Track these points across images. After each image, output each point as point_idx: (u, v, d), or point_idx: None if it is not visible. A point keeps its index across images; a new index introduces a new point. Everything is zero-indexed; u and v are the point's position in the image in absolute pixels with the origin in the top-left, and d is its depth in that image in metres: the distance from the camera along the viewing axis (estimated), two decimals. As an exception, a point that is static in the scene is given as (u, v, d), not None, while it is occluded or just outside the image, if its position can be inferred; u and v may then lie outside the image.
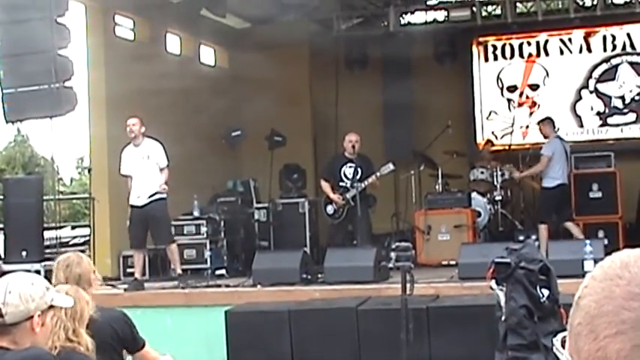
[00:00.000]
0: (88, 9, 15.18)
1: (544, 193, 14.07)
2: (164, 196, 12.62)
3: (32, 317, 4.04)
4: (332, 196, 13.63)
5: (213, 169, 16.15)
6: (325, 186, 13.85)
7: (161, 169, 12.63)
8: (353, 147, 13.62)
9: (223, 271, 14.28)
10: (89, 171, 15.53)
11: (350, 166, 13.64)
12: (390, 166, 13.51)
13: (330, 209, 13.78)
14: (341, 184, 13.65)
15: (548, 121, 14.65)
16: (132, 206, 12.69)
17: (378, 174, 13.43)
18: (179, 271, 12.61)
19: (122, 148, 12.85)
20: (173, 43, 17.33)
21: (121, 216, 14.53)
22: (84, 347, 4.74)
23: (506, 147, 16.77)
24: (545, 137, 14.30)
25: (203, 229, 14.71)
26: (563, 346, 1.30)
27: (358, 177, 13.48)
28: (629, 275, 1.23)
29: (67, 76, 12.35)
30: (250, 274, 12.43)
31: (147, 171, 12.58)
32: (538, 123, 15.03)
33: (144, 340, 6.10)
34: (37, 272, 12.03)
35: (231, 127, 15.97)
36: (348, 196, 13.48)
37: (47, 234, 14.55)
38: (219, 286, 12.57)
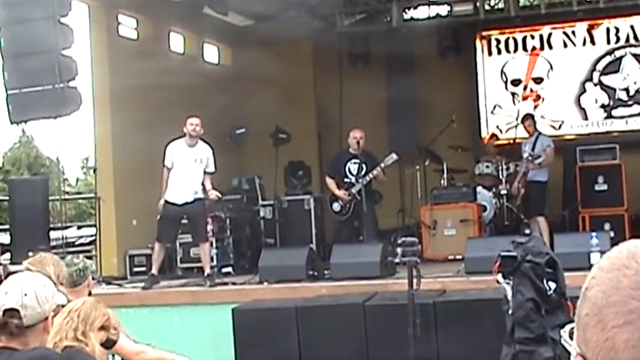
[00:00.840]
0: (91, 8, 15.18)
1: (539, 186, 14.31)
2: (203, 196, 12.58)
3: (47, 319, 4.05)
4: (337, 192, 13.61)
5: (218, 166, 16.12)
6: (330, 182, 13.83)
7: (208, 173, 12.62)
8: (358, 143, 13.60)
9: (230, 269, 14.29)
10: (94, 171, 15.56)
11: (354, 162, 13.63)
12: (394, 156, 13.49)
13: (336, 207, 13.75)
14: (346, 180, 13.64)
15: (533, 118, 15.22)
16: (169, 202, 12.47)
17: (382, 165, 13.42)
18: (208, 270, 12.52)
19: (169, 142, 12.67)
20: (176, 42, 17.34)
21: (127, 215, 14.57)
22: (91, 350, 4.74)
23: (511, 141, 16.74)
24: (530, 135, 14.79)
25: (209, 227, 14.69)
26: (571, 338, 1.30)
27: (363, 172, 13.48)
28: (637, 265, 1.23)
29: (71, 76, 12.36)
30: (257, 271, 12.44)
31: (195, 173, 12.51)
32: (523, 121, 15.20)
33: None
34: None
35: (235, 125, 15.99)
36: (354, 190, 13.46)
37: (53, 234, 14.57)
38: (225, 283, 12.58)
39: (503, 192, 15.38)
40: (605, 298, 1.23)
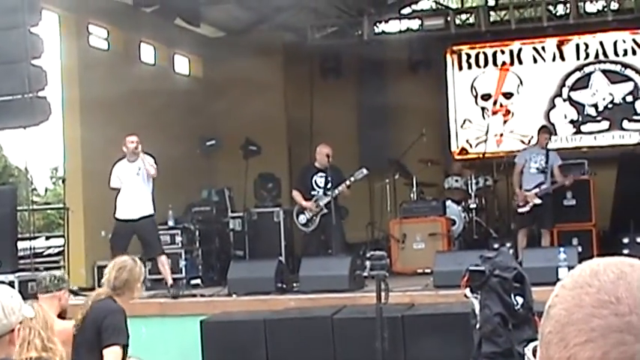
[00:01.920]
0: (62, 18, 15.12)
1: (551, 199, 14.06)
2: (152, 212, 12.78)
3: (13, 331, 4.02)
4: (305, 203, 13.59)
5: (188, 178, 16.11)
6: (297, 195, 13.84)
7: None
8: (327, 157, 13.59)
9: (198, 281, 14.27)
10: (63, 181, 15.47)
11: (321, 176, 13.64)
12: (364, 171, 13.51)
13: (302, 219, 13.72)
14: (312, 192, 13.64)
15: (550, 131, 14.89)
16: (119, 219, 12.71)
17: (352, 179, 13.44)
18: (170, 281, 12.59)
19: (114, 163, 12.83)
20: (147, 53, 17.29)
21: (96, 226, 14.49)
22: (59, 357, 4.72)
23: (481, 155, 16.83)
24: (542, 147, 14.23)
25: (178, 239, 14.67)
26: (534, 356, 1.31)
27: (329, 186, 13.48)
28: (599, 283, 1.24)
29: (41, 86, 12.29)
30: (225, 283, 12.42)
31: (138, 186, 12.65)
32: (539, 132, 14.61)
33: (113, 342, 6.15)
34: (11, 283, 11.96)
35: (205, 137, 15.96)
36: (321, 203, 13.46)
37: (21, 244, 14.45)
38: (194, 295, 12.54)
39: (473, 206, 15.45)
40: (568, 316, 1.24)
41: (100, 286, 6.86)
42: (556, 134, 17.44)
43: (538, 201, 13.77)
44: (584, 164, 15.28)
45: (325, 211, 13.39)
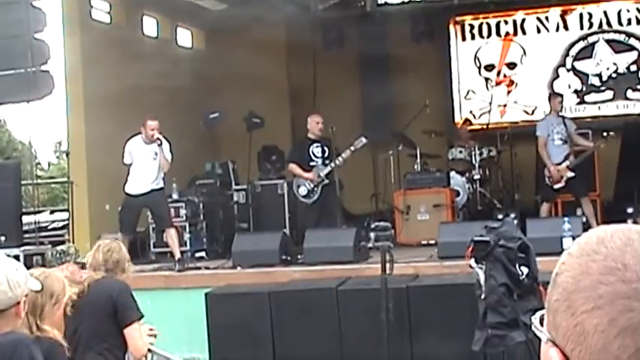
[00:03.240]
0: (64, -8, 15.09)
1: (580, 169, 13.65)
2: (163, 186, 12.88)
3: (19, 303, 4.03)
4: (306, 175, 13.53)
5: (192, 151, 16.09)
6: (294, 167, 13.74)
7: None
8: (320, 128, 13.60)
9: (203, 254, 14.29)
10: (67, 155, 15.48)
11: (317, 146, 13.62)
12: (363, 140, 13.43)
13: (302, 190, 13.63)
14: (311, 163, 13.57)
15: (562, 97, 14.60)
16: (127, 194, 12.76)
17: (352, 148, 13.39)
18: (178, 255, 12.61)
19: (128, 138, 12.80)
20: (150, 26, 17.26)
21: (100, 199, 14.51)
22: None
23: (485, 126, 16.80)
24: (557, 114, 13.89)
25: (182, 212, 14.69)
26: (541, 324, 1.31)
27: (326, 155, 13.49)
28: (606, 250, 1.24)
29: (44, 59, 12.31)
30: (230, 256, 12.45)
31: (152, 168, 12.68)
32: (550, 99, 14.34)
33: (132, 319, 6.19)
34: (17, 257, 12.00)
35: (208, 109, 15.93)
36: (322, 173, 13.43)
37: (26, 219, 14.51)
38: (199, 268, 12.58)
39: (477, 177, 15.45)
40: (575, 284, 1.24)
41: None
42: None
43: (571, 174, 13.42)
44: (588, 134, 15.22)
45: (326, 181, 13.38)
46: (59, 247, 7.15)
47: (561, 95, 14.71)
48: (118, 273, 6.44)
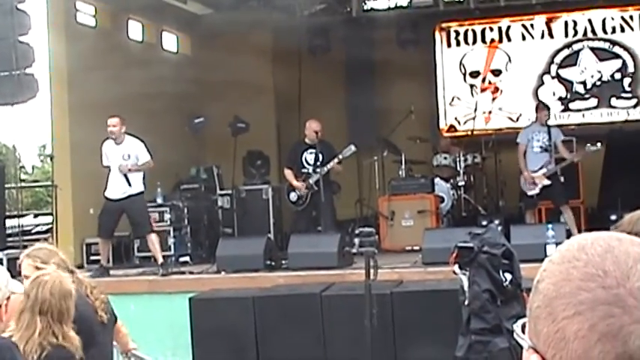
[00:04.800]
0: (49, -5, 15.06)
1: (558, 176, 13.66)
2: (142, 189, 12.81)
3: (0, 306, 4.02)
4: (295, 183, 13.60)
5: (176, 156, 16.07)
6: (288, 173, 13.85)
7: (143, 164, 12.75)
8: (316, 133, 13.62)
9: (187, 258, 14.27)
10: (51, 158, 15.45)
11: (311, 152, 13.66)
12: (352, 148, 13.51)
13: (293, 196, 13.75)
14: (303, 170, 13.66)
15: (548, 109, 14.62)
16: (107, 198, 12.74)
17: (340, 156, 13.45)
18: (160, 260, 12.59)
19: (102, 141, 12.83)
20: (135, 30, 17.22)
21: (84, 203, 14.47)
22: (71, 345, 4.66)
23: (469, 132, 16.84)
24: (542, 124, 13.95)
25: (166, 216, 14.66)
26: (523, 331, 1.32)
27: (320, 162, 13.51)
28: (586, 257, 1.25)
29: (28, 62, 12.27)
30: (214, 260, 12.43)
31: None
32: (537, 111, 14.36)
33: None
34: (0, 261, 11.97)
35: (193, 114, 15.92)
36: (311, 181, 13.48)
37: (9, 222, 14.45)
38: (183, 273, 12.56)
39: (461, 183, 15.48)
40: (556, 290, 1.25)
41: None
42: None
43: (547, 182, 13.49)
44: (572, 141, 15.25)
45: (316, 188, 13.41)
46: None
47: (548, 108, 14.70)
48: None
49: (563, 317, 1.23)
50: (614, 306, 1.20)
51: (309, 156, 13.67)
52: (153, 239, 12.81)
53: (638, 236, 1.31)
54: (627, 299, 1.20)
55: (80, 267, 13.95)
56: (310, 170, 13.59)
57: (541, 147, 13.72)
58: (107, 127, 12.64)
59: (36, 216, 19.10)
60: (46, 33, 15.03)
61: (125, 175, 12.64)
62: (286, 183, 14.00)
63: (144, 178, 12.85)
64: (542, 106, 14.57)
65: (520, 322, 1.33)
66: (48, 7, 15.07)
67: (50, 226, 15.60)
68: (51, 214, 15.36)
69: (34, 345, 4.37)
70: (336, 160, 13.40)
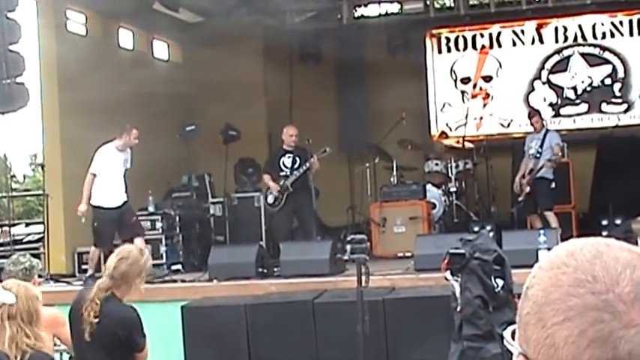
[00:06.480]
0: (39, 3, 15.04)
1: (546, 182, 13.73)
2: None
3: None
4: (270, 184, 14.05)
5: (168, 164, 16.06)
6: (266, 178, 14.26)
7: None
8: (292, 138, 14.06)
9: (179, 266, 14.25)
10: (43, 167, 15.42)
11: (288, 157, 14.10)
12: (327, 149, 13.98)
13: (270, 199, 14.17)
14: (281, 173, 14.08)
15: (540, 114, 14.69)
16: (104, 208, 12.71)
17: (315, 156, 13.81)
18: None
19: (97, 147, 12.85)
20: (126, 38, 17.22)
21: (75, 212, 14.42)
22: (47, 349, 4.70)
23: (460, 139, 16.85)
24: (537, 131, 14.10)
25: (158, 225, 14.64)
26: (513, 338, 1.32)
27: (297, 166, 13.91)
28: (575, 263, 1.25)
29: (19, 71, 12.24)
30: (206, 268, 12.41)
31: (121, 175, 12.82)
32: (530, 117, 14.58)
33: (144, 344, 6.12)
34: (-9, 270, 11.93)
35: (185, 122, 15.91)
36: (287, 182, 13.90)
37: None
38: (175, 281, 12.54)
39: (453, 190, 15.49)
40: (545, 296, 1.25)
41: (74, 275, 6.76)
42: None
43: (528, 189, 13.69)
44: (563, 147, 15.26)
45: (291, 190, 13.77)
46: (25, 263, 6.87)
47: (538, 113, 14.74)
48: (122, 286, 6.20)
49: (553, 323, 1.23)
50: (604, 311, 1.20)
51: (286, 160, 14.06)
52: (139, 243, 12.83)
53: None
54: (616, 304, 1.20)
55: (72, 276, 13.94)
56: (288, 173, 13.96)
57: (531, 154, 13.83)
58: (131, 137, 12.77)
59: (27, 225, 19.06)
60: (36, 41, 15.03)
61: (126, 182, 12.71)
62: (265, 187, 14.25)
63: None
64: (532, 113, 14.65)
65: (510, 328, 1.33)
66: (38, 15, 15.06)
67: (41, 235, 15.57)
68: (42, 223, 15.33)
69: (12, 351, 4.42)
70: (311, 159, 13.59)
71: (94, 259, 12.92)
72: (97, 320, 5.80)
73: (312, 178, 13.95)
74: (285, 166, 14.05)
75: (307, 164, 13.77)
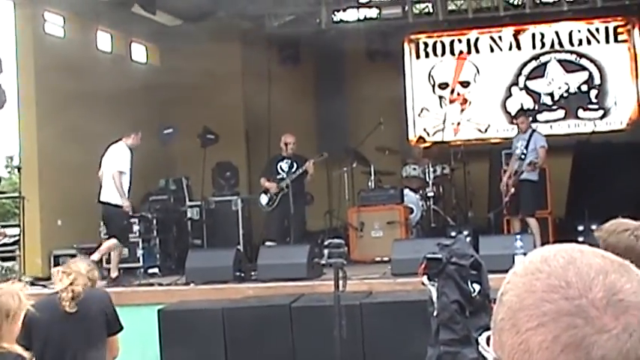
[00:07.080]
0: (17, 5, 14.99)
1: (531, 185, 13.68)
2: None
3: None
4: (267, 184, 14.14)
5: (145, 167, 16.02)
6: (262, 181, 14.35)
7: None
8: (287, 146, 14.20)
9: (156, 270, 14.22)
10: (19, 170, 15.36)
11: (285, 162, 14.22)
12: (324, 154, 14.20)
13: (263, 199, 14.21)
14: (278, 176, 14.17)
15: (526, 115, 14.75)
16: (118, 205, 12.86)
17: (312, 160, 13.99)
18: (97, 257, 12.62)
19: (109, 145, 13.06)
20: (104, 41, 17.18)
21: (52, 215, 14.39)
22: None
23: (438, 143, 16.88)
24: (523, 132, 14.05)
25: (135, 228, 14.61)
26: (488, 344, 1.32)
27: (294, 170, 14.05)
28: (549, 269, 1.26)
29: (-4, 73, 12.20)
30: (183, 272, 12.39)
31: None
32: (516, 118, 14.69)
33: (120, 329, 6.34)
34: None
35: (163, 125, 15.89)
36: (283, 184, 13.92)
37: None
38: (151, 284, 12.51)
39: (430, 194, 15.52)
40: (519, 302, 1.25)
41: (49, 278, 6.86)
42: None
43: (512, 190, 13.66)
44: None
45: (286, 191, 13.85)
46: (4, 264, 7.02)
47: (525, 114, 14.81)
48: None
49: (527, 329, 1.23)
50: (577, 317, 1.21)
51: (283, 165, 14.24)
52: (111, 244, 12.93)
53: (611, 247, 1.32)
54: (589, 310, 1.21)
55: (47, 279, 13.87)
56: (285, 176, 14.05)
57: (517, 154, 13.84)
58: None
59: (3, 227, 18.96)
60: (14, 43, 14.97)
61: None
62: (260, 191, 14.27)
63: None
64: (519, 114, 14.80)
65: (485, 334, 1.34)
66: (15, 17, 15.00)
67: (17, 237, 15.49)
68: (18, 225, 15.26)
69: None
70: (307, 164, 13.71)
71: (117, 259, 13.02)
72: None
73: (307, 183, 14.13)
74: (282, 170, 14.19)
75: (303, 167, 13.86)
